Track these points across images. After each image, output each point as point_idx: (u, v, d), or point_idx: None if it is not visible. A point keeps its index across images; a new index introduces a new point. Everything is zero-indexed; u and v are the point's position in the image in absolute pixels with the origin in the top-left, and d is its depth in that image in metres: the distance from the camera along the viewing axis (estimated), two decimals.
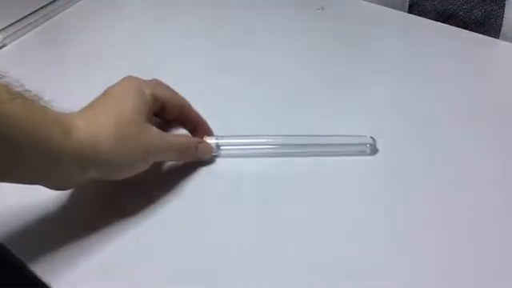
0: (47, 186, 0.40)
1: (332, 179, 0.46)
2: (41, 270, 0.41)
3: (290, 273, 0.40)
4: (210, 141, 0.48)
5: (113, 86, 0.44)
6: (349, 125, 0.51)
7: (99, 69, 0.59)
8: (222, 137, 0.48)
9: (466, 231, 0.42)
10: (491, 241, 0.41)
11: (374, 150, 0.48)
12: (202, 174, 0.47)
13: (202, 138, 0.48)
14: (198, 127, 0.49)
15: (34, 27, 0.66)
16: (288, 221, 0.43)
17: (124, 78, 0.44)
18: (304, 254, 0.41)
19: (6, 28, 0.64)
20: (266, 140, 0.48)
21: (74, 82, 0.58)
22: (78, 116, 0.40)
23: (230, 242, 0.42)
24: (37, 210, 0.44)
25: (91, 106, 0.42)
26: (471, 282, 0.39)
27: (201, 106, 0.52)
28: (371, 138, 0.48)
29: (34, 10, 0.66)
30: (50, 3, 0.68)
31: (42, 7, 0.67)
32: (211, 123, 0.50)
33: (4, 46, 0.64)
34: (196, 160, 0.47)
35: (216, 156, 0.48)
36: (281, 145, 0.48)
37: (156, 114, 0.46)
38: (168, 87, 0.47)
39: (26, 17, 0.66)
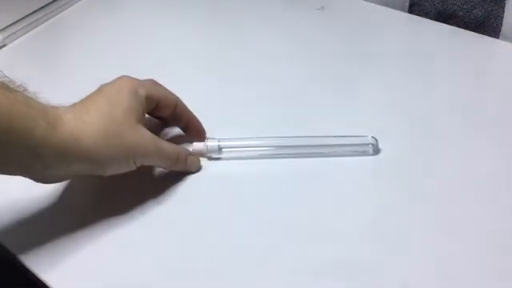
0: (31, 178, 0.40)
1: (334, 180, 0.46)
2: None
3: (291, 273, 0.40)
4: (212, 143, 0.48)
5: (106, 84, 0.44)
6: (350, 125, 0.51)
7: (99, 68, 0.59)
8: (224, 139, 0.48)
9: (467, 231, 0.42)
10: (492, 241, 0.41)
11: (376, 150, 0.48)
12: (204, 175, 0.47)
13: (195, 136, 0.49)
14: (190, 126, 0.49)
15: (34, 27, 0.66)
16: (290, 222, 0.43)
17: (118, 77, 0.44)
18: (306, 254, 0.41)
19: (6, 28, 0.64)
20: (268, 142, 0.49)
21: (74, 81, 0.58)
22: (65, 110, 0.40)
23: (230, 243, 0.42)
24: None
25: (82, 102, 0.42)
26: (471, 282, 0.39)
27: (201, 107, 0.52)
28: (373, 138, 0.48)
29: (34, 10, 0.66)
30: (50, 3, 0.68)
31: (41, 7, 0.67)
32: (211, 124, 0.51)
33: (4, 45, 0.64)
34: (183, 171, 0.47)
35: (218, 158, 0.48)
36: (283, 146, 0.48)
37: (149, 112, 0.46)
38: (162, 86, 0.47)
39: (25, 17, 0.66)
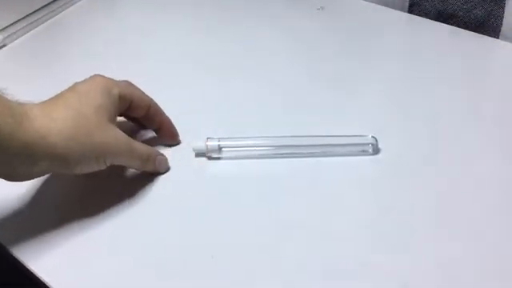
0: None
1: (334, 180, 0.46)
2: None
3: (291, 272, 0.40)
4: (212, 143, 0.48)
5: (79, 82, 0.43)
6: (350, 125, 0.51)
7: (99, 68, 0.58)
8: (224, 139, 0.48)
9: (468, 231, 0.42)
10: (492, 240, 0.41)
11: (375, 150, 0.48)
12: (204, 175, 0.48)
13: (168, 139, 0.49)
14: (163, 128, 0.49)
15: (34, 27, 0.66)
16: (290, 222, 0.43)
17: (92, 76, 0.44)
18: (306, 254, 0.41)
19: (6, 28, 0.64)
20: (268, 141, 0.49)
21: (74, 81, 0.58)
22: (32, 107, 0.39)
23: (230, 243, 0.42)
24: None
25: (52, 99, 0.42)
26: (471, 282, 0.39)
27: (201, 106, 0.53)
28: (373, 137, 0.48)
29: (34, 9, 0.66)
30: (50, 3, 0.68)
31: (41, 7, 0.67)
32: (211, 124, 0.51)
33: (4, 45, 0.64)
34: (153, 172, 0.47)
35: (218, 158, 0.48)
36: (283, 146, 0.48)
37: (122, 114, 0.46)
38: (136, 87, 0.47)
39: (25, 17, 0.66)
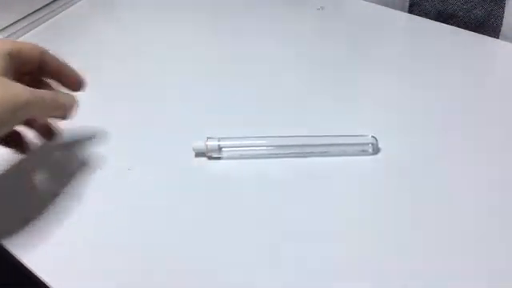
0: None
1: (334, 179, 0.46)
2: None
3: (291, 273, 0.40)
4: (212, 142, 0.48)
5: None
6: (350, 124, 0.51)
7: (99, 69, 0.59)
8: (224, 138, 0.48)
9: (468, 231, 0.42)
10: (492, 240, 0.41)
11: (375, 150, 0.48)
12: (204, 175, 0.48)
13: (73, 84, 0.47)
14: (62, 73, 0.47)
15: (35, 27, 0.67)
16: (290, 221, 0.43)
17: None
18: (306, 254, 0.41)
19: (6, 28, 0.64)
20: (268, 141, 0.49)
21: None
22: None
23: (230, 243, 0.42)
24: None
25: None
26: (471, 282, 0.39)
27: (201, 106, 0.53)
28: (373, 137, 0.48)
29: (34, 9, 0.66)
30: (51, 3, 0.68)
31: (41, 7, 0.67)
32: (211, 124, 0.51)
33: None
34: (64, 114, 0.44)
35: (218, 158, 0.48)
36: (283, 146, 0.48)
37: (20, 75, 0.43)
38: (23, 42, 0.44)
39: (26, 16, 0.66)
